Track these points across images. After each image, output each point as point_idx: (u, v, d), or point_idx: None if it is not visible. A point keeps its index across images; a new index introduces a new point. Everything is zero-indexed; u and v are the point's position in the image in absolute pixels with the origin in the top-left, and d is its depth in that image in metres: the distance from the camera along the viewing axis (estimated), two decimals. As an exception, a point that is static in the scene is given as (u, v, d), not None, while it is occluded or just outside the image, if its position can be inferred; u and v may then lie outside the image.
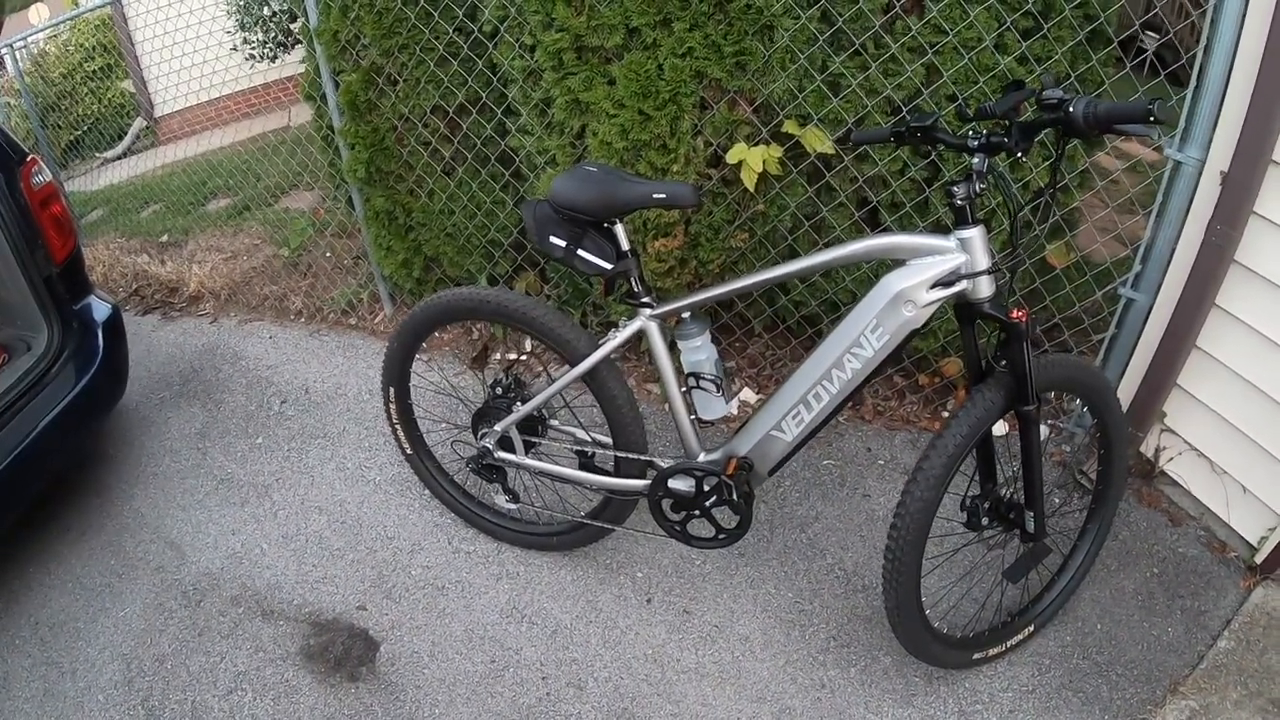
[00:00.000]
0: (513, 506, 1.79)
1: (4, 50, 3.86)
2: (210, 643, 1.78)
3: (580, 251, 1.40)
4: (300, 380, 2.57)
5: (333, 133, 2.43)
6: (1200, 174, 1.50)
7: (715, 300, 1.43)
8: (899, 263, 1.28)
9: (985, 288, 1.26)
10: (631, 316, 1.47)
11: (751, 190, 1.85)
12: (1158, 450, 1.78)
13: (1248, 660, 1.49)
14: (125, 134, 5.36)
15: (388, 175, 2.40)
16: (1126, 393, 1.78)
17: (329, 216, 3.00)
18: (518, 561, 1.87)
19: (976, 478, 1.44)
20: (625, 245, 1.40)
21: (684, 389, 1.49)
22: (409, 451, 1.91)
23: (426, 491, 2.02)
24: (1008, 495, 1.46)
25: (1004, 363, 1.30)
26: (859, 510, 1.90)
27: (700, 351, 1.45)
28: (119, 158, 5.14)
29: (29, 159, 1.94)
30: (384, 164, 2.36)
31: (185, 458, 2.31)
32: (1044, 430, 1.95)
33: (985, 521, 1.45)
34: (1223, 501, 1.66)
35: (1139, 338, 1.72)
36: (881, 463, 2.02)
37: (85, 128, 4.89)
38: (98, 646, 1.80)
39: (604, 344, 1.49)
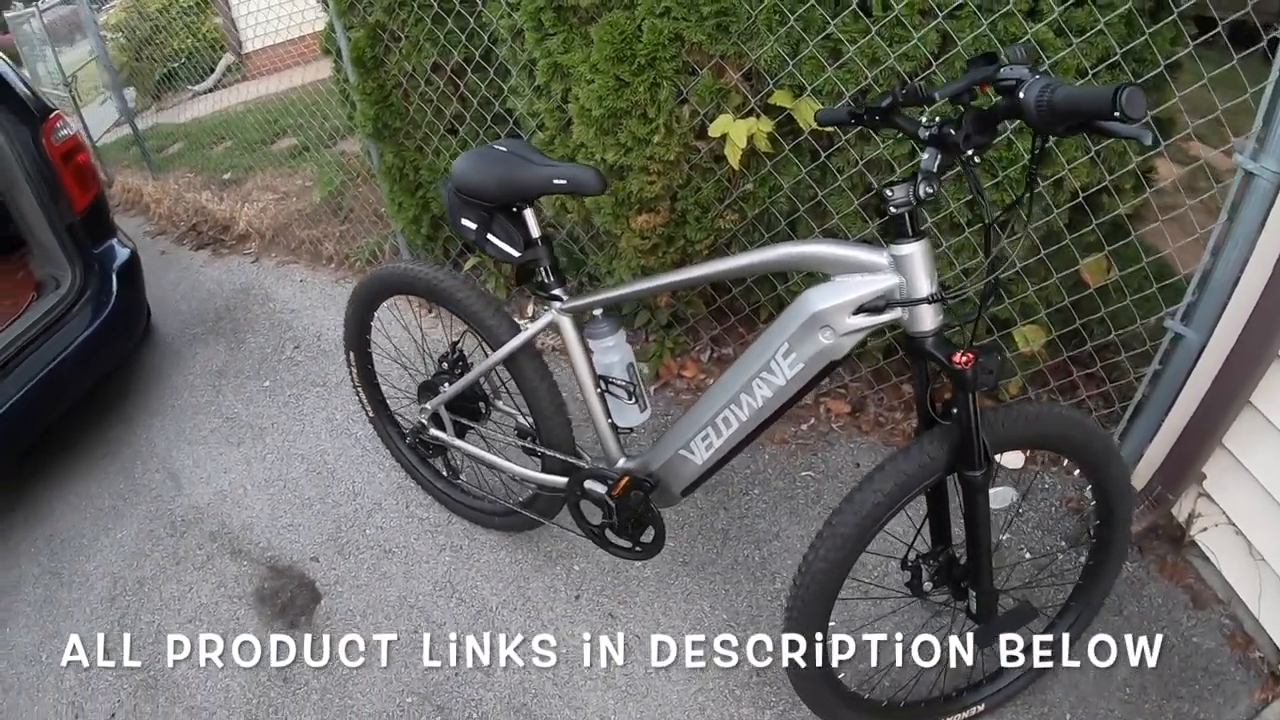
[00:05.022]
0: (458, 481, 1.77)
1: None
2: (184, 572, 1.92)
3: (490, 237, 1.30)
4: (316, 327, 2.66)
5: (349, 85, 2.42)
6: (1278, 191, 1.16)
7: (625, 299, 1.29)
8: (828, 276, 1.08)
9: (928, 320, 1.03)
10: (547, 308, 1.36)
11: (736, 168, 1.65)
12: (1191, 516, 1.47)
13: (1249, 792, 1.23)
14: (215, 69, 5.64)
15: (396, 131, 2.37)
16: (1163, 444, 1.47)
17: (359, 165, 3.03)
18: (463, 535, 1.86)
19: (926, 533, 1.23)
20: (535, 232, 1.28)
21: (599, 390, 1.37)
22: (371, 415, 1.93)
23: (394, 454, 2.04)
24: (963, 559, 1.24)
25: (954, 410, 1.07)
26: (825, 533, 1.72)
27: (611, 354, 1.32)
28: (208, 91, 5.45)
29: (52, 114, 2.05)
30: (391, 120, 2.33)
31: (201, 394, 2.47)
32: (1013, 495, 1.67)
33: (929, 587, 1.25)
34: (1255, 591, 1.34)
35: (1185, 381, 1.40)
36: (865, 483, 1.81)
37: (179, 61, 5.21)
38: (95, 563, 1.99)
39: (522, 332, 1.39)
